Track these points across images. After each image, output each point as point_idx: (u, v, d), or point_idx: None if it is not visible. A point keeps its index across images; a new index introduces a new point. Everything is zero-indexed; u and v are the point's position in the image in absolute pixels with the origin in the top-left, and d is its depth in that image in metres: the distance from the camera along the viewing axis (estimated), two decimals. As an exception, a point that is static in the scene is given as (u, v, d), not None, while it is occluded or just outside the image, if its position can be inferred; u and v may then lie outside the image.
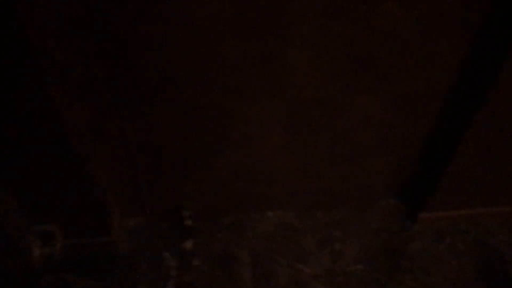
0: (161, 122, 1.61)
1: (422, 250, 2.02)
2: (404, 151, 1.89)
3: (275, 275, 1.92)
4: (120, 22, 1.30)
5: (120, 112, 1.55)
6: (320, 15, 1.34)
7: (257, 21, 1.34)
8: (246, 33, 1.36)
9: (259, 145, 1.76)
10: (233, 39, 1.37)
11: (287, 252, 1.99)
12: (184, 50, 1.39)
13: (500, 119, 1.63)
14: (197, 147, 1.73)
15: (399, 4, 1.34)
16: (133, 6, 1.26)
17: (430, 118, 1.74)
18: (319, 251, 2.00)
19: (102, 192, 1.73)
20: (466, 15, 1.39)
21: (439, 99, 1.67)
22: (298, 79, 1.52)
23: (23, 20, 1.12)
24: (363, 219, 2.13)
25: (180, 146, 1.72)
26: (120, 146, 1.67)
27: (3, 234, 1.64)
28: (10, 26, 1.12)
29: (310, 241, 2.04)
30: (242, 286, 1.88)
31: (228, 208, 2.08)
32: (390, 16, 1.36)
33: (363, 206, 2.17)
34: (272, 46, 1.41)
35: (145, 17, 1.29)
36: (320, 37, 1.40)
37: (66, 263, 1.89)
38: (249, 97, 1.56)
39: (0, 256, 1.71)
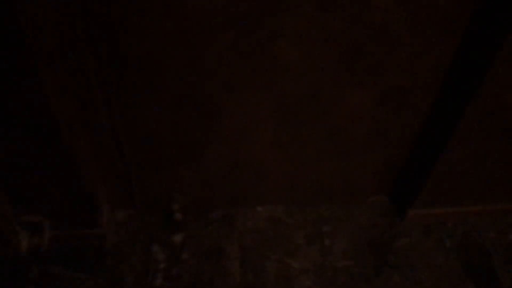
0: (151, 114, 1.61)
1: (409, 247, 2.03)
2: (393, 147, 1.90)
3: (264, 269, 1.93)
4: (110, 12, 1.29)
5: (109, 103, 1.55)
6: (312, 8, 1.34)
7: (248, 13, 1.34)
8: (237, 25, 1.36)
9: (249, 138, 1.76)
10: (224, 31, 1.37)
11: (277, 246, 2.00)
12: (173, 42, 1.39)
13: (489, 117, 1.64)
14: (187, 140, 1.73)
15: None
16: (124, -5, 1.26)
17: (420, 114, 1.75)
18: (308, 246, 2.01)
19: (91, 184, 1.72)
20: (457, 10, 1.40)
21: (429, 95, 1.68)
22: (289, 73, 1.53)
23: (15, 11, 1.12)
24: (352, 215, 2.14)
25: (170, 138, 1.71)
26: (110, 137, 1.67)
27: (-9, 224, 1.63)
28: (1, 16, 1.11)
29: (299, 236, 2.04)
30: (231, 280, 1.89)
31: (218, 202, 2.08)
32: (382, 10, 1.37)
33: (352, 202, 2.18)
34: (263, 39, 1.41)
35: (134, 7, 1.29)
36: (312, 31, 1.41)
37: (53, 254, 1.88)
38: (240, 90, 1.56)
39: (-13, 247, 1.70)
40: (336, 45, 1.46)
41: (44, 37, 1.28)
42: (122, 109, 1.58)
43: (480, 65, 1.50)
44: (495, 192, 2.04)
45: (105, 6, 1.28)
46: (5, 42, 1.18)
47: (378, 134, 1.82)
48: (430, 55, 1.53)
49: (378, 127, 1.78)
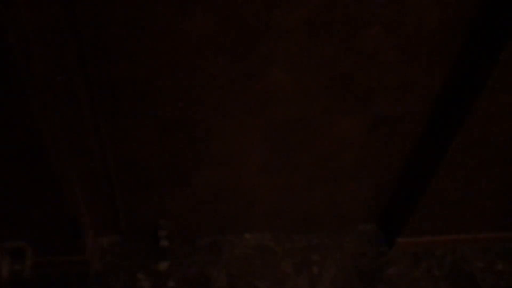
0: (139, 138, 1.60)
1: (398, 275, 2.01)
2: (382, 175, 1.90)
3: (251, 298, 1.89)
4: (102, 36, 1.29)
5: (97, 125, 1.53)
6: (304, 36, 1.36)
7: (240, 39, 1.35)
8: (229, 50, 1.37)
9: (239, 164, 1.75)
10: (216, 56, 1.38)
11: (265, 275, 1.96)
12: (165, 65, 1.39)
13: (477, 146, 1.65)
14: (175, 165, 1.72)
15: (383, 28, 1.36)
16: (116, 19, 1.26)
17: (408, 142, 1.76)
18: (297, 274, 1.98)
19: (76, 208, 1.69)
20: (446, 41, 1.43)
21: (418, 124, 1.69)
22: (279, 99, 1.53)
23: (5, 33, 1.11)
24: (340, 243, 2.12)
25: (158, 163, 1.70)
26: (96, 161, 1.65)
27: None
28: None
29: (287, 265, 2.02)
30: (217, 309, 1.85)
31: (205, 228, 2.05)
32: (372, 39, 1.39)
33: (341, 230, 2.16)
34: (255, 64, 1.42)
35: (128, 30, 1.29)
36: (303, 58, 1.42)
37: (36, 281, 1.82)
38: (229, 115, 1.56)
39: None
40: (327, 72, 1.47)
41: (34, 59, 1.27)
42: (110, 132, 1.56)
43: (468, 94, 1.52)
44: (483, 221, 2.04)
45: (97, 30, 1.28)
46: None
47: (367, 162, 1.82)
48: (419, 84, 1.55)
49: (367, 155, 1.79)
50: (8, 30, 1.12)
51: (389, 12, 1.33)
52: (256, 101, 1.53)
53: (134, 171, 1.72)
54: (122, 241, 2.01)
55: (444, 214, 1.96)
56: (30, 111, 1.28)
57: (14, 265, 1.70)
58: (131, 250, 1.99)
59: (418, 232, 2.04)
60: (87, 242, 1.85)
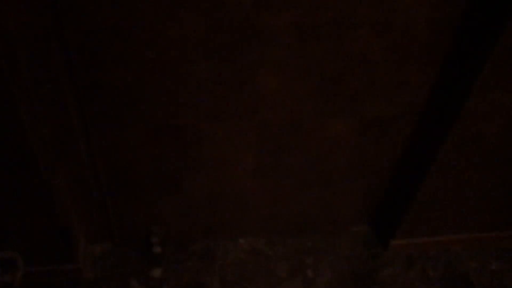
0: (130, 144, 1.58)
1: (393, 277, 2.01)
2: (374, 176, 1.90)
3: (246, 303, 1.88)
4: (90, 42, 1.28)
5: (86, 132, 1.52)
6: (292, 39, 1.36)
7: (229, 43, 1.34)
8: (218, 54, 1.36)
9: (230, 169, 1.74)
10: (205, 60, 1.37)
11: (258, 280, 1.95)
12: (155, 71, 1.38)
13: (468, 146, 1.66)
14: (166, 170, 1.70)
15: (371, 30, 1.36)
16: (103, 24, 1.25)
17: (400, 143, 1.76)
18: (291, 279, 1.97)
19: (67, 217, 1.67)
20: (435, 41, 1.43)
21: (409, 125, 1.69)
22: (270, 102, 1.52)
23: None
24: (334, 246, 2.12)
25: (149, 168, 1.68)
26: (86, 168, 1.63)
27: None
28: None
29: (281, 269, 2.01)
30: (211, 315, 1.84)
31: (198, 234, 2.04)
32: (362, 41, 1.39)
33: (334, 232, 2.16)
34: (245, 68, 1.41)
35: (115, 35, 1.28)
36: (292, 61, 1.42)
37: (26, 292, 1.81)
38: (220, 119, 1.55)
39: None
40: (317, 75, 1.47)
41: (21, 66, 1.26)
42: (100, 139, 1.55)
43: (458, 95, 1.52)
44: (477, 221, 2.05)
45: (84, 36, 1.27)
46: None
47: (359, 164, 1.82)
48: (409, 85, 1.55)
49: (358, 156, 1.78)
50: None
51: (378, 13, 1.33)
52: (247, 104, 1.52)
53: (125, 178, 1.71)
54: (114, 249, 2.00)
55: (437, 215, 1.96)
56: (18, 119, 1.26)
57: (4, 276, 1.68)
58: (124, 257, 1.97)
59: (411, 233, 2.04)
60: (79, 250, 1.83)
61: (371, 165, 1.84)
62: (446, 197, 1.88)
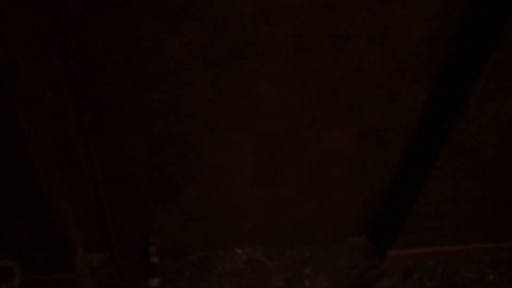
0: (129, 154, 1.59)
1: (390, 287, 2.01)
2: (372, 187, 1.90)
3: (243, 313, 1.88)
4: (90, 54, 1.30)
5: (85, 141, 1.53)
6: (291, 50, 1.37)
7: (228, 54, 1.35)
8: (218, 65, 1.38)
9: (228, 178, 1.75)
10: (204, 71, 1.39)
11: (256, 290, 1.95)
12: (154, 80, 1.39)
13: (466, 156, 1.67)
14: (165, 180, 1.71)
15: (368, 42, 1.38)
16: (104, 34, 1.26)
17: (396, 154, 1.77)
18: (288, 289, 1.97)
19: (65, 226, 1.67)
20: (432, 53, 1.45)
21: (406, 135, 1.71)
22: (268, 113, 1.54)
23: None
24: (332, 256, 2.11)
25: (147, 178, 1.69)
26: (85, 177, 1.64)
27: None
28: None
29: (279, 279, 2.00)
30: (209, 325, 1.83)
31: (196, 243, 2.04)
32: (359, 52, 1.41)
33: (332, 242, 2.16)
34: (243, 79, 1.43)
35: (116, 45, 1.29)
36: (290, 72, 1.43)
37: (23, 301, 1.80)
38: (219, 129, 1.56)
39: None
40: (314, 86, 1.49)
41: (22, 75, 1.27)
42: (98, 148, 1.56)
43: (454, 106, 1.53)
44: (474, 231, 2.05)
45: (86, 46, 1.28)
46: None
47: (357, 174, 1.83)
48: (406, 96, 1.57)
49: (356, 166, 1.79)
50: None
51: (375, 25, 1.35)
52: (245, 114, 1.53)
53: (123, 187, 1.71)
54: (112, 258, 1.99)
55: (434, 226, 1.97)
56: (17, 128, 1.27)
57: (1, 284, 1.68)
58: (122, 266, 1.97)
59: (409, 244, 2.04)
60: (77, 259, 1.83)
61: (369, 175, 1.85)
62: (443, 208, 1.88)
